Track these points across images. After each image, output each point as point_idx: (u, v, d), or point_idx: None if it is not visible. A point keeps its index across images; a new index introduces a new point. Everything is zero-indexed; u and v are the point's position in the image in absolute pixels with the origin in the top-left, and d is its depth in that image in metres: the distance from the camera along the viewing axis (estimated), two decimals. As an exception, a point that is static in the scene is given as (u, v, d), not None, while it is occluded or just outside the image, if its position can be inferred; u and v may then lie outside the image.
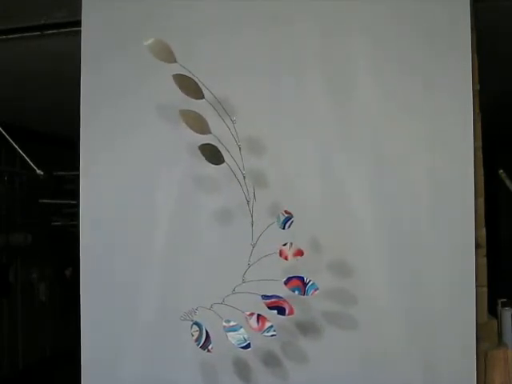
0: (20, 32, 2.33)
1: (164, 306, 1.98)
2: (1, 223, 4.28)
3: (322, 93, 1.92)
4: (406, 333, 1.86)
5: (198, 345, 1.71)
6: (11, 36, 2.35)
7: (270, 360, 1.92)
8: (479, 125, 1.91)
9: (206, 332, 1.71)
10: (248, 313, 1.68)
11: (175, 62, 1.61)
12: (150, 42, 1.61)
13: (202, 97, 1.66)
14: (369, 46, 1.90)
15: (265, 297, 1.68)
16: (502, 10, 2.13)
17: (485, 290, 1.91)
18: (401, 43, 1.88)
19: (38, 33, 2.32)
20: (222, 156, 1.70)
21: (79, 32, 2.09)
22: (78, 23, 2.10)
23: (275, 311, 1.67)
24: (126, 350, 2.02)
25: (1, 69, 2.80)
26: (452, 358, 1.83)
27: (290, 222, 1.66)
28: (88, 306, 2.05)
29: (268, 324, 1.66)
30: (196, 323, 1.72)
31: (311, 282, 1.66)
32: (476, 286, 1.83)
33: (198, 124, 1.65)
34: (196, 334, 1.71)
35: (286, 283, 1.67)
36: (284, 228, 1.67)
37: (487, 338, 1.93)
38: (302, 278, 1.67)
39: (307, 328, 1.90)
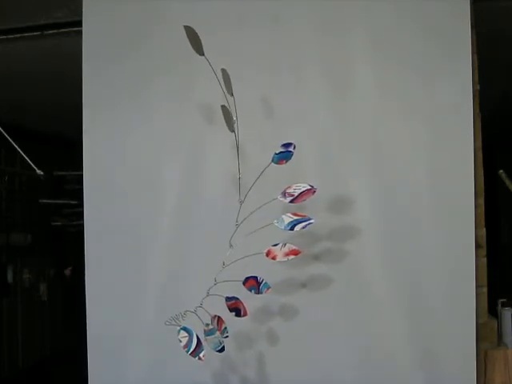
0: (20, 32, 2.34)
1: (167, 307, 1.97)
2: (1, 223, 4.28)
3: (322, 92, 1.92)
4: (405, 332, 1.86)
5: (187, 352, 1.61)
6: (11, 36, 2.36)
7: (271, 360, 1.92)
8: (479, 125, 1.91)
9: (197, 338, 1.62)
10: (213, 315, 1.64)
11: (203, 55, 1.61)
12: (188, 28, 1.58)
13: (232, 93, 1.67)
14: (369, 46, 1.90)
15: (227, 298, 1.64)
16: (502, 10, 2.13)
17: (485, 290, 1.91)
18: (401, 43, 1.88)
19: (38, 33, 2.32)
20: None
21: (79, 32, 2.09)
22: (78, 23, 2.10)
23: (234, 313, 1.64)
24: (130, 350, 2.03)
25: (1, 69, 2.80)
26: (452, 358, 1.83)
27: (305, 224, 1.57)
28: (94, 307, 2.05)
29: (223, 326, 1.64)
30: (184, 328, 1.62)
31: (264, 282, 1.61)
32: (476, 286, 1.83)
33: (229, 120, 1.66)
34: (185, 340, 1.61)
35: (244, 283, 1.62)
36: (292, 229, 1.57)
37: (487, 338, 1.93)
38: (256, 277, 1.62)
39: (306, 329, 1.90)
